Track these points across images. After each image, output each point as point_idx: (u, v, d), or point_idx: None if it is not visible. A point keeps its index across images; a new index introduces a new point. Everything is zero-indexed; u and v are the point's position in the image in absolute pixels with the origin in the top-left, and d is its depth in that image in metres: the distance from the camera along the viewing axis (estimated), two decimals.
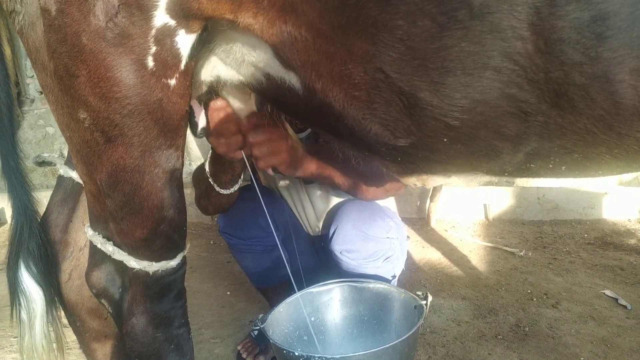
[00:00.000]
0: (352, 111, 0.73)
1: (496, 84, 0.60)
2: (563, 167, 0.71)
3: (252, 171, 1.31)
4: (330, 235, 1.38)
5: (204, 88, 0.96)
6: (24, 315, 1.01)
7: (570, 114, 0.60)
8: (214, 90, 0.99)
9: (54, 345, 1.08)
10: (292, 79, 0.77)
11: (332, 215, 1.48)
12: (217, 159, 1.20)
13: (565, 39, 0.53)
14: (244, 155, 1.12)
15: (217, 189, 1.24)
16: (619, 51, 0.53)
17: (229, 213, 1.48)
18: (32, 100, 3.57)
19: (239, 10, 0.69)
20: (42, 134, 3.63)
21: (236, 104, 1.07)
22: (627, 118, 0.59)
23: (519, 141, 0.67)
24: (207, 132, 1.05)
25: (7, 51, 0.97)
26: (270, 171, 1.18)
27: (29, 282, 1.02)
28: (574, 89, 0.57)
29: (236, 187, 1.27)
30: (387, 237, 1.37)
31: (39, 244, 1.03)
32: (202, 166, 1.30)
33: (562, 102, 0.59)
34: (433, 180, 0.87)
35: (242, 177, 1.27)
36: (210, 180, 1.24)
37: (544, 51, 0.55)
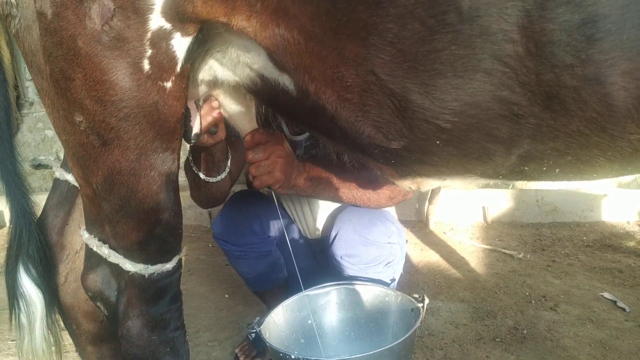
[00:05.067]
0: (344, 113, 0.73)
1: (487, 86, 0.60)
2: (557, 170, 0.71)
3: (247, 175, 1.31)
4: (330, 239, 1.38)
5: (204, 88, 0.96)
6: (23, 319, 1.01)
7: (562, 116, 0.60)
8: (213, 90, 0.99)
9: (53, 348, 1.08)
10: (285, 81, 0.77)
11: (331, 219, 1.48)
12: (196, 147, 1.20)
13: (556, 42, 0.54)
14: (215, 141, 1.08)
15: (202, 176, 1.24)
16: (610, 53, 0.53)
17: (224, 219, 1.48)
18: (31, 104, 3.58)
19: (232, 14, 0.69)
20: (41, 137, 3.64)
21: (237, 114, 1.07)
22: (619, 120, 0.59)
23: (511, 144, 0.67)
24: (199, 139, 1.05)
25: (6, 54, 0.97)
26: (265, 190, 1.18)
27: (28, 286, 1.02)
28: (566, 91, 0.57)
29: (222, 176, 1.26)
30: (389, 242, 1.37)
31: (38, 247, 1.04)
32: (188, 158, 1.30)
33: (554, 104, 0.59)
34: (427, 183, 0.87)
35: (227, 165, 1.25)
36: (193, 168, 1.24)
37: (535, 54, 0.55)
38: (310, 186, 1.26)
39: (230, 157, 1.25)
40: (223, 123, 1.09)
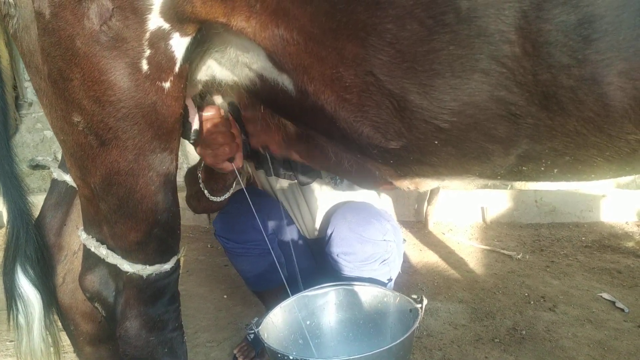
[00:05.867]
0: (343, 113, 0.73)
1: (485, 86, 0.60)
2: (555, 170, 0.71)
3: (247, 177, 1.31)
4: (326, 237, 1.38)
5: (200, 87, 0.96)
6: (21, 319, 1.01)
7: (560, 116, 0.60)
8: (209, 90, 0.99)
9: (51, 349, 1.07)
10: (285, 81, 0.77)
11: (328, 218, 1.48)
12: (209, 167, 1.20)
13: (553, 42, 0.54)
14: (234, 168, 1.11)
15: (208, 195, 1.24)
16: (606, 54, 0.53)
17: (225, 217, 1.48)
18: (30, 104, 3.57)
19: (232, 14, 0.70)
20: (40, 137, 3.63)
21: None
22: (616, 120, 0.59)
23: (509, 143, 0.67)
24: (199, 136, 1.05)
25: (5, 55, 0.97)
26: (260, 149, 1.18)
27: (26, 286, 1.01)
28: (563, 91, 0.57)
29: (227, 195, 1.27)
30: (384, 240, 1.37)
31: (35, 248, 1.03)
32: (194, 169, 1.30)
33: (551, 104, 0.59)
34: (426, 184, 0.87)
35: (233, 186, 1.27)
36: (201, 186, 1.24)
37: (532, 54, 0.56)
38: (305, 150, 1.23)
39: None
40: (241, 152, 1.10)
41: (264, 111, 1.12)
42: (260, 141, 1.15)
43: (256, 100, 0.97)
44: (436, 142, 0.69)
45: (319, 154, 1.26)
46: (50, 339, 1.06)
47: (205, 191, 1.24)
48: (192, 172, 1.34)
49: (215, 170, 1.14)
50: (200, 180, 1.24)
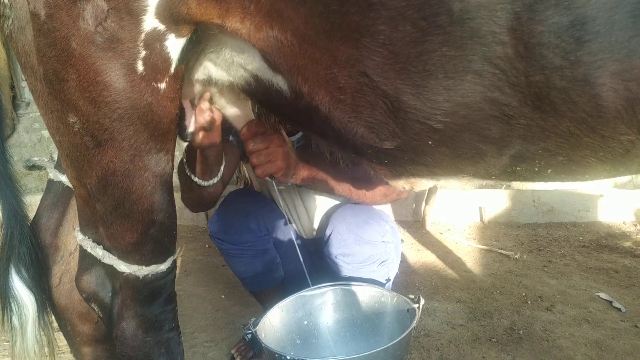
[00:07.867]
0: (338, 114, 0.74)
1: (478, 87, 0.60)
2: (549, 170, 0.72)
3: (243, 175, 1.31)
4: (325, 239, 1.38)
5: (198, 87, 0.96)
6: (15, 320, 1.01)
7: (553, 117, 0.60)
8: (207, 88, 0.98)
9: (46, 349, 1.07)
10: (279, 82, 0.77)
11: (326, 219, 1.48)
12: (190, 149, 1.19)
13: (545, 43, 0.54)
14: (215, 142, 1.08)
15: (194, 179, 1.24)
16: (599, 55, 0.53)
17: (221, 218, 1.48)
18: (28, 104, 3.57)
19: (226, 15, 0.70)
20: (37, 137, 3.62)
21: (232, 109, 1.07)
22: (609, 121, 0.59)
23: (503, 144, 0.67)
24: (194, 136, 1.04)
25: (2, 55, 0.97)
26: (267, 178, 1.19)
27: (20, 288, 1.01)
28: (555, 92, 0.57)
29: (215, 180, 1.25)
30: (383, 241, 1.37)
31: (29, 248, 1.03)
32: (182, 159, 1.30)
33: (544, 105, 0.59)
34: (421, 183, 0.88)
35: (220, 170, 1.25)
36: (186, 171, 1.24)
37: (524, 55, 0.56)
38: (310, 176, 1.26)
39: (224, 163, 1.25)
40: (220, 126, 1.09)
41: (270, 142, 1.12)
42: (265, 170, 1.16)
43: (253, 100, 0.97)
44: (430, 143, 0.70)
45: (320, 182, 1.28)
46: (44, 340, 1.06)
47: (192, 175, 1.23)
48: (181, 164, 1.33)
49: (195, 145, 1.13)
50: (185, 166, 1.23)
